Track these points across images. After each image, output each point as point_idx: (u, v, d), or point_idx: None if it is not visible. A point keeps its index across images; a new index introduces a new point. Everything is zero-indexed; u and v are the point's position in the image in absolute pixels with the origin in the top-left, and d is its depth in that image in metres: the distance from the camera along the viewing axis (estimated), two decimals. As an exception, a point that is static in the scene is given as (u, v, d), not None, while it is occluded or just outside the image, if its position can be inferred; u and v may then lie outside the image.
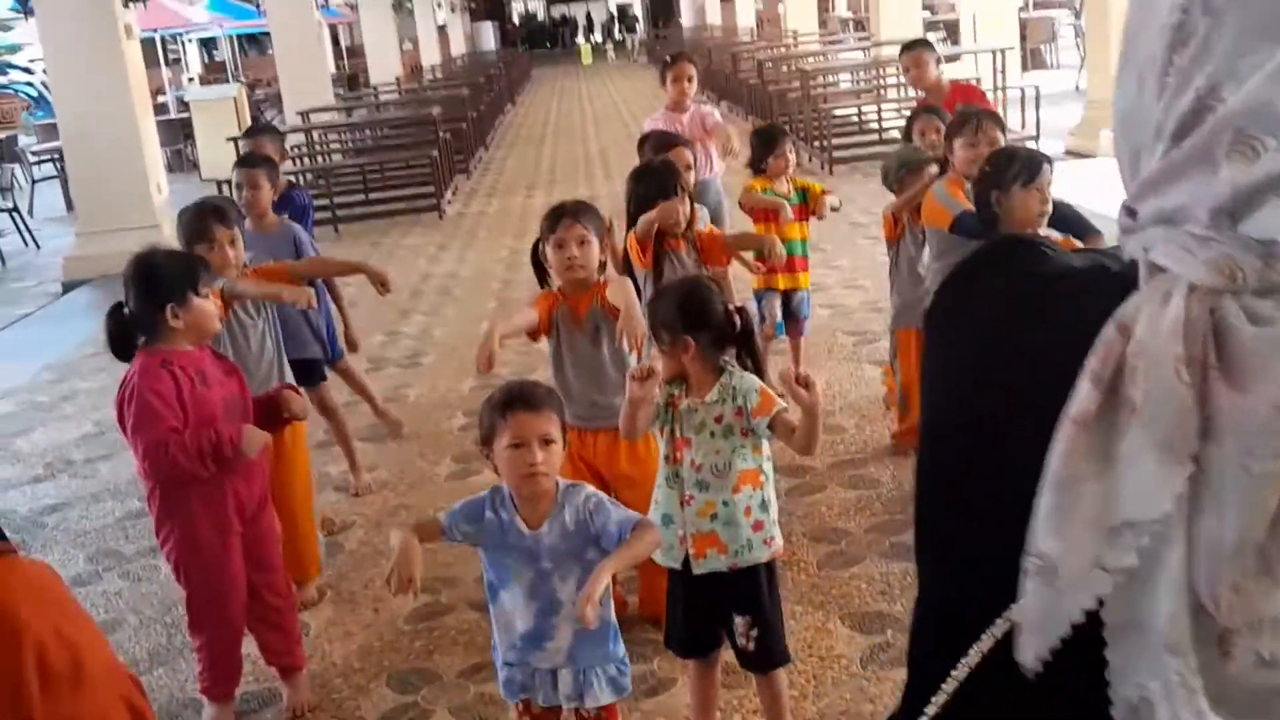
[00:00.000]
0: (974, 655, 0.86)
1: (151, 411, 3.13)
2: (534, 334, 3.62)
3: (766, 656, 2.91)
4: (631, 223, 4.24)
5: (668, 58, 7.21)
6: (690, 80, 6.82)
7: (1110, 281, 0.85)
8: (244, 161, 5.15)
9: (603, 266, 3.64)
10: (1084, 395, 0.81)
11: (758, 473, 2.87)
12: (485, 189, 14.26)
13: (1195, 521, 0.77)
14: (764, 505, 2.88)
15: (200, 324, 3.28)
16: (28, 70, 24.81)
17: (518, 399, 2.57)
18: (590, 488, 2.69)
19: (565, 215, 3.51)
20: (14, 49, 28.10)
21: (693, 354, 2.81)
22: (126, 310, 3.27)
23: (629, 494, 3.24)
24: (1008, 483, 0.86)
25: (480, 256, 10.06)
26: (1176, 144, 0.78)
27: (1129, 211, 0.82)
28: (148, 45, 18.16)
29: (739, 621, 2.87)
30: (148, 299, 3.23)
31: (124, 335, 3.27)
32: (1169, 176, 0.78)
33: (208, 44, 29.19)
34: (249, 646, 3.62)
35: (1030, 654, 0.83)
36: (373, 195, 13.31)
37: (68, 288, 10.52)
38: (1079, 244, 4.17)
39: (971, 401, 0.92)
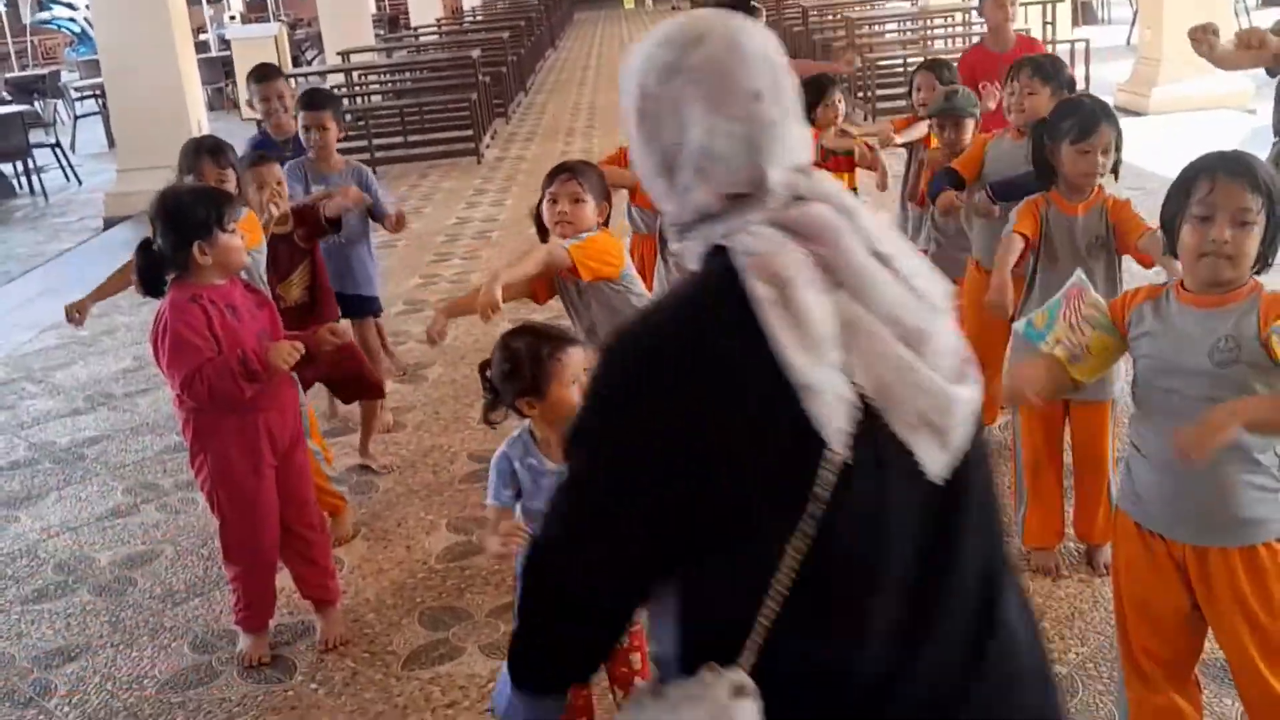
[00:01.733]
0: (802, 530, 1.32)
1: (186, 344, 3.16)
2: (537, 296, 3.56)
3: None
4: None
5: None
6: None
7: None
8: (310, 104, 5.17)
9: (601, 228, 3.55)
10: (761, 291, 1.33)
11: None
12: (524, 134, 14.20)
13: (865, 304, 1.35)
14: None
15: (228, 259, 3.29)
16: (71, 6, 24.83)
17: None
18: None
19: (563, 171, 3.47)
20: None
21: None
22: (155, 247, 3.29)
23: None
24: None
25: (517, 202, 10.03)
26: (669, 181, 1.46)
27: (681, 232, 1.49)
28: (190, -18, 18.15)
29: None
30: (175, 236, 3.25)
31: (153, 271, 3.30)
32: (676, 206, 1.47)
33: (250, -18, 29.11)
34: (284, 580, 3.67)
35: (837, 441, 1.31)
36: (411, 138, 13.29)
37: (109, 224, 10.60)
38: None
39: None
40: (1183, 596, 2.45)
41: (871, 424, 1.32)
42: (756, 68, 1.40)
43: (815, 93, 5.44)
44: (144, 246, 3.31)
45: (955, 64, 5.67)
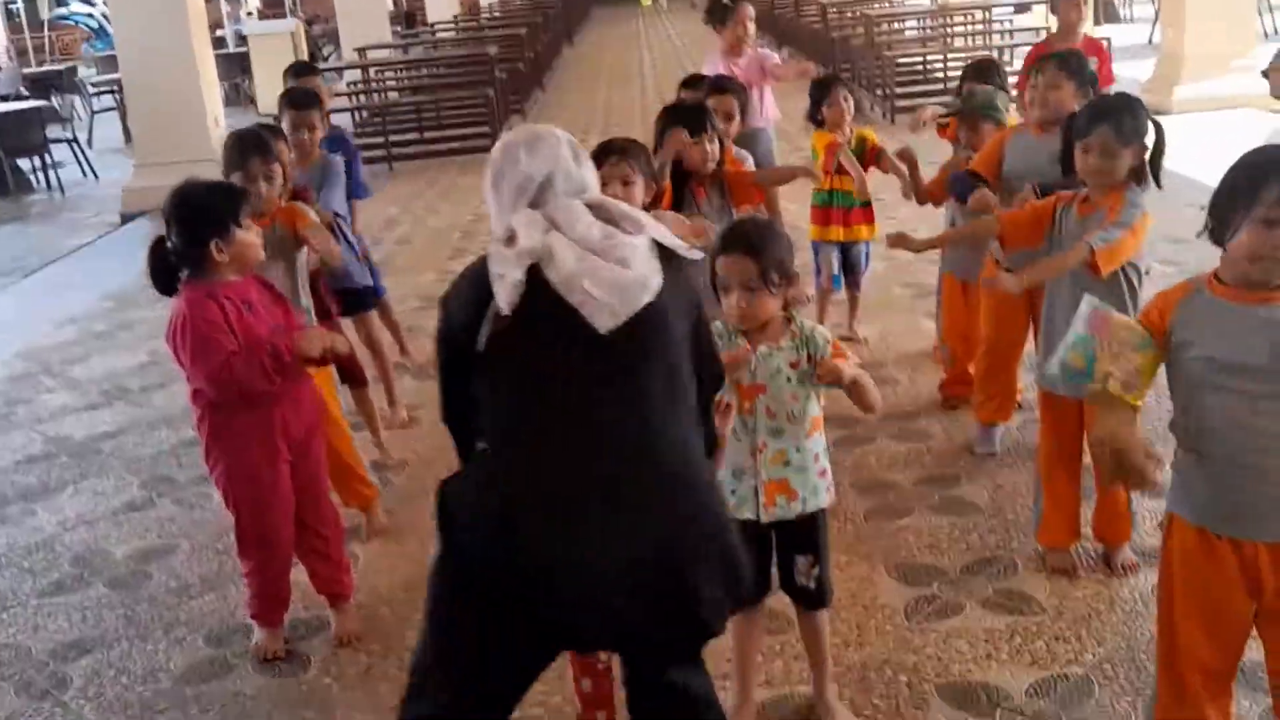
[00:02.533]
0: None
1: (207, 339, 3.15)
2: None
3: (822, 593, 2.97)
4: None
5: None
6: (750, 22, 6.68)
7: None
8: (297, 103, 4.93)
9: (648, 209, 3.57)
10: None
11: (821, 419, 2.88)
12: (540, 130, 14.17)
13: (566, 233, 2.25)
14: (825, 451, 2.91)
15: (244, 255, 3.28)
16: (89, 1, 24.94)
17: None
18: None
19: (614, 152, 3.46)
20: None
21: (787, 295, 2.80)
22: (169, 244, 3.27)
23: None
24: None
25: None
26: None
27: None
28: (208, -22, 18.20)
29: (801, 561, 2.92)
30: (190, 233, 3.23)
31: (167, 269, 3.28)
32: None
33: (267, -22, 29.17)
34: (299, 575, 3.66)
35: (504, 304, 2.19)
36: (428, 134, 13.31)
37: (126, 219, 10.64)
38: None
39: None
40: (1245, 598, 2.39)
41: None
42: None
43: (820, 92, 5.42)
44: (157, 245, 3.29)
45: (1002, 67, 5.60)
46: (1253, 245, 2.24)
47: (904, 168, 5.02)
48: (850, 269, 5.68)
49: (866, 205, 5.55)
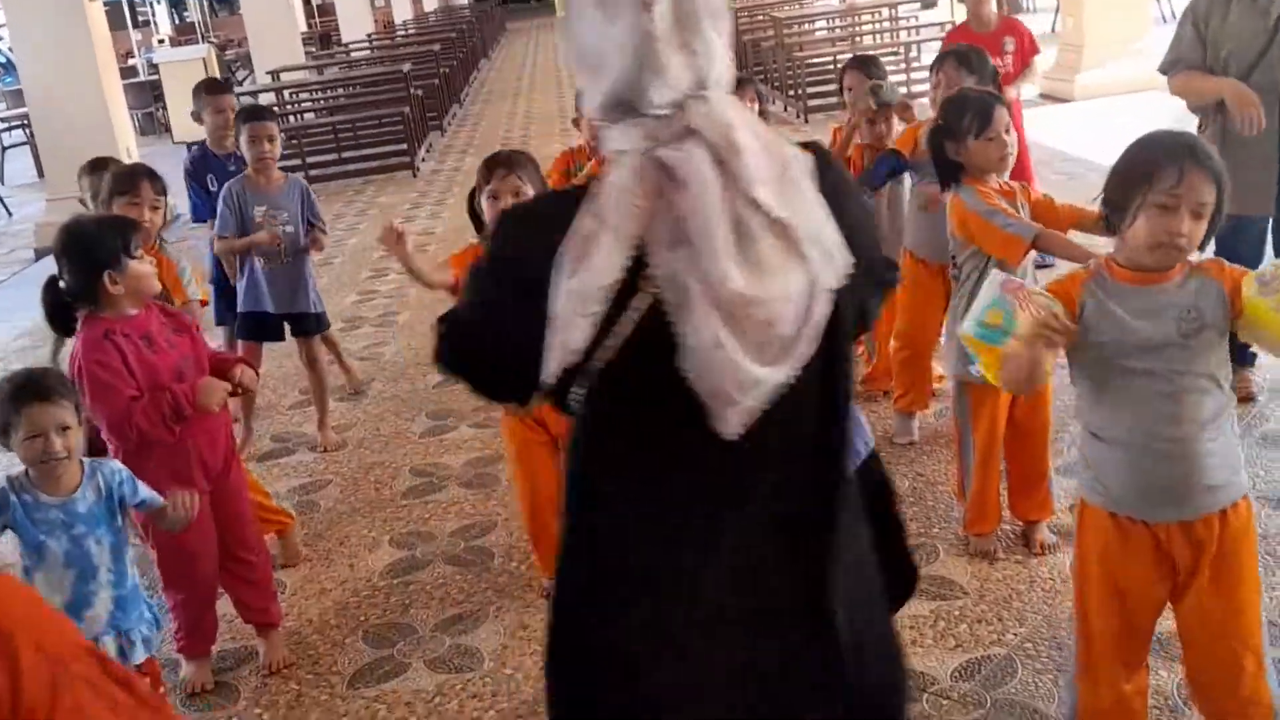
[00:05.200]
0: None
1: (104, 385, 3.12)
2: (455, 290, 3.58)
3: None
4: None
5: None
6: None
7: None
8: (255, 115, 5.05)
9: None
10: (581, 221, 1.48)
11: None
12: (460, 145, 14.16)
13: (697, 265, 1.45)
14: None
15: (139, 285, 3.24)
16: (-6, 36, 24.43)
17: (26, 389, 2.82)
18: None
19: (499, 165, 3.47)
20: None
21: None
22: (62, 283, 3.23)
23: None
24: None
25: (455, 213, 9.99)
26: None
27: (594, 124, 1.58)
28: (115, 7, 17.96)
29: None
30: (83, 268, 3.19)
31: (63, 309, 3.24)
32: (586, 99, 1.58)
33: (177, 4, 28.78)
34: (225, 605, 3.63)
35: (549, 373, 1.52)
36: (345, 154, 13.20)
37: (40, 254, 10.44)
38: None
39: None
40: (1157, 578, 2.42)
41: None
42: None
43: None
44: (50, 284, 3.24)
45: (881, 60, 5.74)
46: (1151, 232, 2.26)
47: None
48: None
49: None
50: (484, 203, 3.48)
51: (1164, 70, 4.36)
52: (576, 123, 4.91)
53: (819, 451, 1.63)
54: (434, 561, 4.06)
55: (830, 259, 1.51)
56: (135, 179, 3.98)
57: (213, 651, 3.59)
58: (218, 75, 16.72)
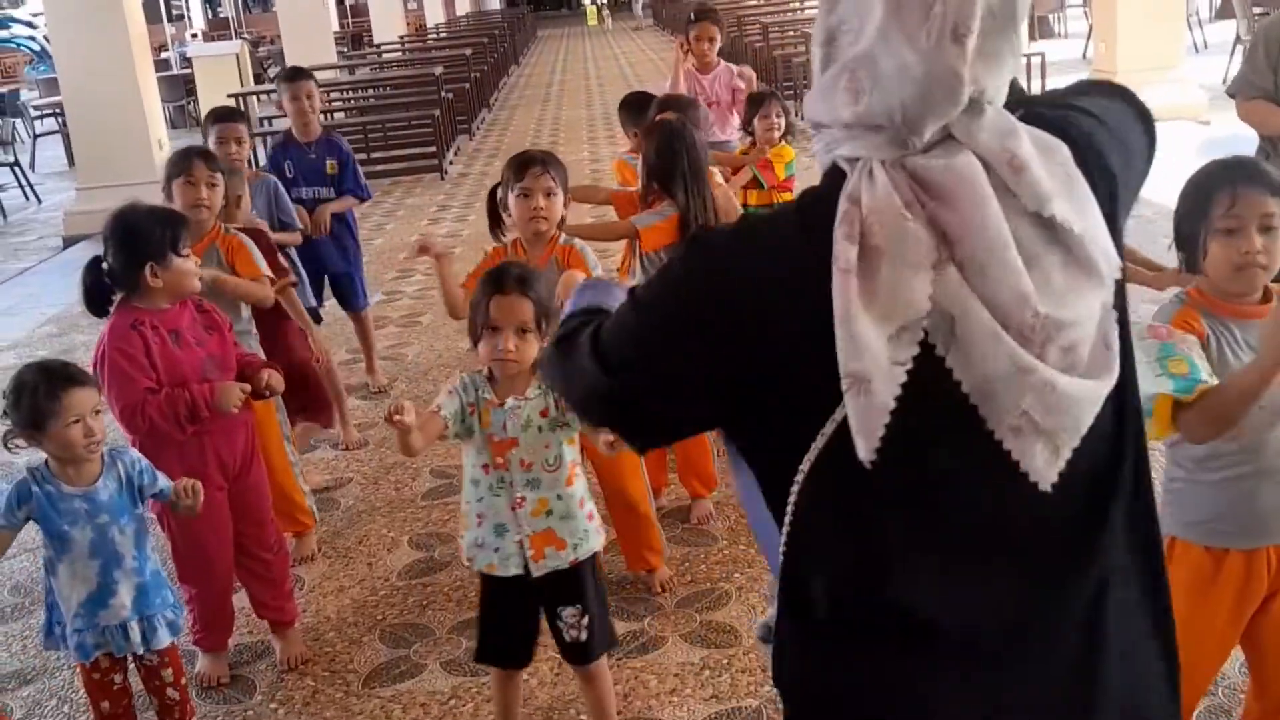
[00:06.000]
0: (812, 453, 1.23)
1: (123, 374, 3.14)
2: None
3: (591, 645, 2.87)
4: (651, 179, 4.01)
5: (691, 15, 7.02)
6: (712, 41, 6.72)
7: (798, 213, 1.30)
8: (221, 116, 5.02)
9: (563, 221, 3.58)
10: (844, 252, 1.17)
11: (578, 463, 2.85)
12: (488, 149, 14.20)
13: (978, 288, 1.16)
14: (589, 493, 2.88)
15: (179, 283, 3.25)
16: (30, 25, 24.64)
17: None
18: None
19: (534, 164, 3.45)
20: (17, 2, 27.92)
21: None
22: (105, 265, 3.25)
23: None
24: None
25: (482, 217, 9.91)
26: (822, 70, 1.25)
27: (813, 124, 1.26)
28: (151, 1, 18.05)
29: (568, 614, 2.83)
30: (128, 257, 3.21)
31: (100, 291, 3.26)
32: (817, 97, 1.24)
33: (211, 0, 29.00)
34: (242, 599, 3.64)
35: (865, 450, 1.17)
36: (374, 154, 13.24)
37: (68, 242, 10.51)
38: None
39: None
40: (1237, 610, 2.38)
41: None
42: None
43: (754, 107, 5.51)
44: (93, 265, 3.27)
45: None
46: (1227, 257, 2.24)
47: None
48: None
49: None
50: (511, 200, 3.47)
51: (1232, 93, 4.32)
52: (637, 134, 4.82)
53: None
54: (452, 564, 4.06)
55: (1111, 264, 1.24)
56: (189, 159, 3.93)
57: (230, 645, 3.60)
58: (250, 72, 16.85)
